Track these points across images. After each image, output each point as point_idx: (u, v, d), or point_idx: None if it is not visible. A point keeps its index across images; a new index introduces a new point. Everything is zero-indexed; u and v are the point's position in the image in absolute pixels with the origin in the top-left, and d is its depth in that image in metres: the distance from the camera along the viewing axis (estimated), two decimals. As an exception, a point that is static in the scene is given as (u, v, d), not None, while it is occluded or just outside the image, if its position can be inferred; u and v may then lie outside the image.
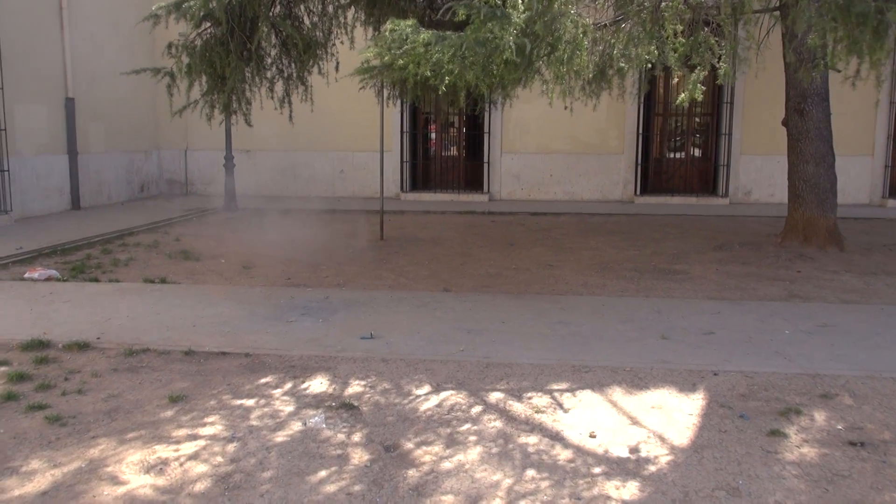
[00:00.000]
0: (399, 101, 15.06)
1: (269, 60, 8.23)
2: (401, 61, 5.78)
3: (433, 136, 17.26)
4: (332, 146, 16.28)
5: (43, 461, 3.67)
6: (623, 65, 6.02)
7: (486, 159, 16.05)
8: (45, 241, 10.09)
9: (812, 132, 9.40)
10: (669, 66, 5.87)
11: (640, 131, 15.53)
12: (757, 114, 14.82)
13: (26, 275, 8.04)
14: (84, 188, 14.14)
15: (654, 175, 16.28)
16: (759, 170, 15.39)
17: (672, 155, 16.56)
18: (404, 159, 16.27)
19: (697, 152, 16.47)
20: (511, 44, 5.26)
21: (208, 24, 7.41)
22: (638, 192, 15.74)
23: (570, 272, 8.45)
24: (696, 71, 5.40)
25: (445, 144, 17.27)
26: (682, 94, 5.40)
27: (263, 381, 4.83)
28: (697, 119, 16.40)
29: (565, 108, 6.28)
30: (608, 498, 3.32)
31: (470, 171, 16.64)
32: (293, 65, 8.32)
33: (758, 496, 3.34)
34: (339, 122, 15.74)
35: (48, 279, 7.95)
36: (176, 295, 7.15)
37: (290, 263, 8.95)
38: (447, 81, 5.94)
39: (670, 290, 7.54)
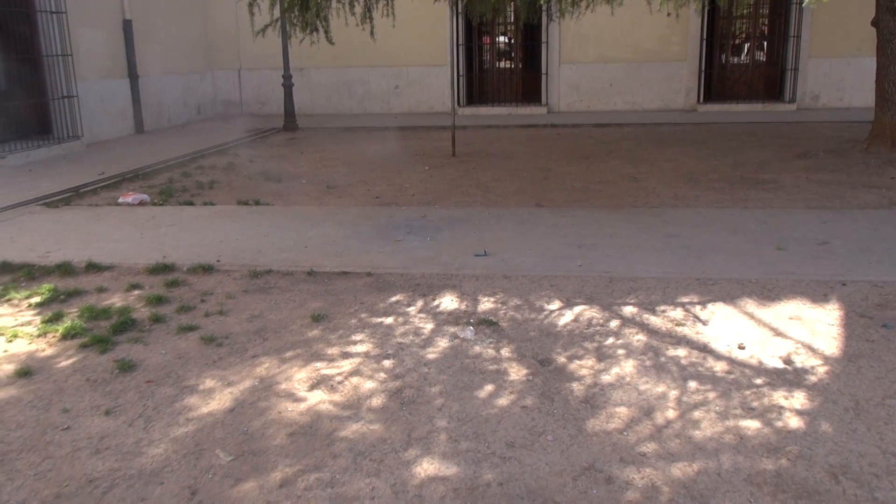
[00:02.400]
0: (452, 14, 14.78)
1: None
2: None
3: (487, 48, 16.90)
4: (386, 62, 16.04)
5: (215, 380, 3.81)
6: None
7: (543, 70, 15.74)
8: (123, 166, 10.21)
9: (905, 32, 9.03)
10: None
11: (704, 37, 15.05)
12: (828, 14, 14.22)
13: (120, 200, 8.17)
14: (146, 112, 14.18)
15: (717, 82, 15.87)
16: (827, 73, 14.90)
17: (736, 60, 16.07)
18: (459, 73, 15.99)
19: (762, 57, 15.95)
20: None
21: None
22: (701, 99, 15.39)
23: (657, 184, 8.37)
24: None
25: (500, 56, 16.92)
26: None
27: (394, 299, 4.92)
28: (764, 22, 15.82)
29: (668, 14, 6.06)
30: (781, 408, 3.38)
31: (527, 83, 16.34)
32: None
33: (931, 404, 3.38)
34: (392, 36, 15.46)
35: (141, 203, 8.08)
36: (275, 216, 7.24)
37: (371, 182, 8.97)
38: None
39: (766, 200, 7.46)
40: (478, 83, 16.71)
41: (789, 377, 3.69)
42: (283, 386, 3.72)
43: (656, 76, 15.45)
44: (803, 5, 13.97)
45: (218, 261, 5.79)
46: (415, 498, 2.77)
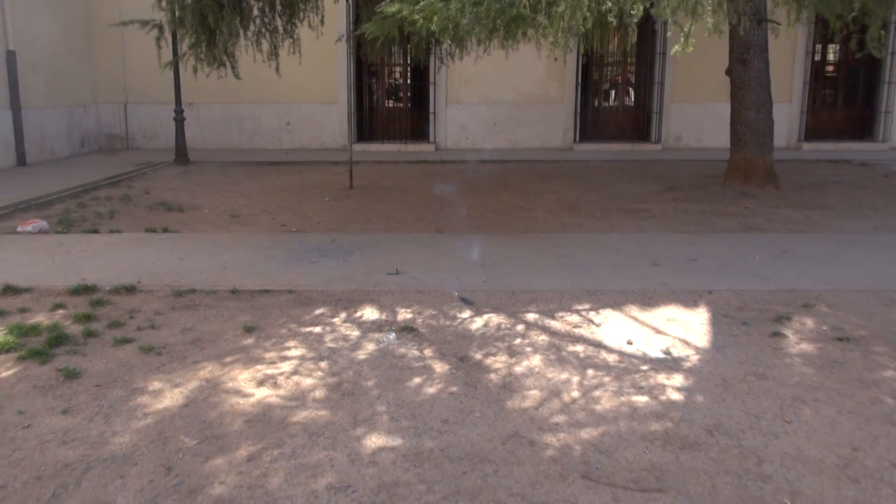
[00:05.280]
0: (347, 53, 15.34)
1: (255, 13, 8.46)
2: (416, 16, 6.22)
3: (377, 87, 17.52)
4: (277, 98, 16.33)
5: (163, 382, 4.10)
6: (612, 20, 6.61)
7: (431, 110, 16.49)
8: (13, 197, 10.05)
9: (753, 80, 10.31)
10: (655, 18, 6.52)
11: (579, 81, 16.27)
12: (687, 64, 15.70)
13: (19, 228, 8.14)
14: (28, 144, 13.88)
15: (591, 123, 17.10)
16: (688, 117, 16.41)
17: (607, 104, 17.40)
18: (350, 111, 16.47)
19: (631, 101, 17.35)
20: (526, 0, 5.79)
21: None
22: (577, 139, 16.54)
23: (544, 213, 9.14)
24: (688, 24, 6.04)
25: (390, 96, 17.58)
26: (676, 47, 6.05)
27: (318, 312, 5.32)
28: (631, 70, 17.25)
29: (555, 59, 6.82)
30: (664, 386, 4.03)
31: (415, 121, 17.04)
32: (279, 18, 8.56)
33: (781, 379, 4.12)
34: (283, 73, 15.81)
35: (41, 231, 8.08)
36: (187, 242, 7.46)
37: (275, 212, 9.29)
38: (453, 34, 6.42)
39: (641, 226, 8.33)
40: (368, 121, 17.27)
41: (669, 364, 4.36)
42: (230, 385, 4.06)
43: (536, 117, 16.51)
44: (668, 55, 15.40)
45: (139, 282, 5.99)
46: (370, 463, 3.20)
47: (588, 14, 6.27)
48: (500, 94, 16.38)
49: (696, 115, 16.33)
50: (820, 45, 16.56)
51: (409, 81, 17.27)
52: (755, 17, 9.65)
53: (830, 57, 16.95)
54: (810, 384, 4.06)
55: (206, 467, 3.17)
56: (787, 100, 16.11)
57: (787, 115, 16.14)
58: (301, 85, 16.12)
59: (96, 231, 8.03)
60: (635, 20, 6.28)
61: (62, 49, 15.14)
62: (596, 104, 17.28)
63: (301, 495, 2.97)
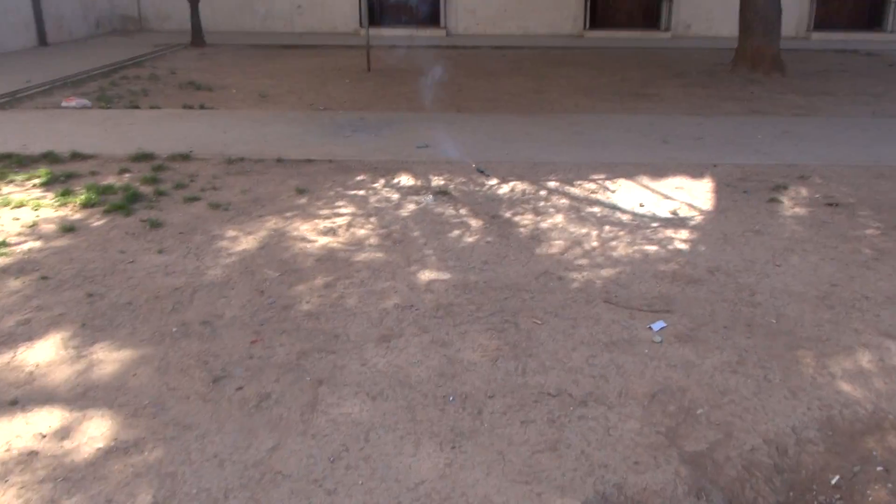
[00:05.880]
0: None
1: None
2: None
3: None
4: (290, -20, 16.35)
5: (236, 231, 4.71)
6: None
7: (444, -5, 16.53)
8: (47, 76, 10.43)
9: (765, -33, 10.49)
10: None
11: (592, -34, 16.25)
12: (701, -50, 15.69)
13: (63, 104, 8.59)
14: (48, 24, 14.07)
15: (601, 10, 17.15)
16: (698, 5, 16.47)
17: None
18: (363, -6, 16.53)
19: (642, -12, 17.32)
20: None
21: None
22: (587, 26, 16.65)
23: (558, 96, 9.56)
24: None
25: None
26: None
27: (359, 178, 5.89)
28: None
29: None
30: (671, 238, 4.65)
31: (426, 6, 17.08)
32: None
33: (775, 234, 4.74)
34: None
35: (84, 107, 8.54)
36: (225, 117, 7.94)
37: (300, 92, 9.71)
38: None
39: (651, 108, 8.79)
40: (379, 5, 17.31)
41: (676, 222, 4.97)
42: (295, 233, 4.67)
43: (546, 3, 16.57)
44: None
45: (191, 151, 6.53)
46: (426, 291, 3.85)
47: None
48: (513, -21, 16.38)
49: (706, 3, 16.38)
50: (835, -68, 16.43)
51: (421, -35, 17.19)
52: None
53: (845, -56, 16.83)
54: (799, 238, 4.68)
55: (291, 292, 3.82)
56: (796, -12, 16.12)
57: (796, 3, 16.19)
58: (313, -33, 16.12)
59: (137, 107, 8.49)
60: None
61: (75, -73, 15.07)
62: (607, -10, 17.27)
63: (375, 311, 3.63)
